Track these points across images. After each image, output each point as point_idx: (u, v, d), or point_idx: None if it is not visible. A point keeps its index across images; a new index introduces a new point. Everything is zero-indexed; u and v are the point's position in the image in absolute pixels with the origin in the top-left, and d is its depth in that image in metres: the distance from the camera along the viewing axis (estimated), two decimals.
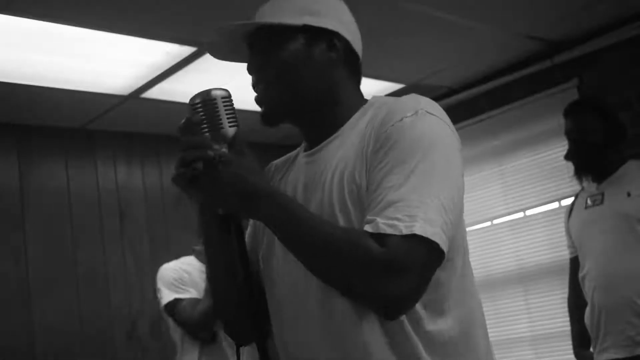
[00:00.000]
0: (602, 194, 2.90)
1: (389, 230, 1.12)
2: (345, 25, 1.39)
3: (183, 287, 3.14)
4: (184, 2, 2.94)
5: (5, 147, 3.96)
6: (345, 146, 1.29)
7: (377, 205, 1.16)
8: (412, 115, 1.22)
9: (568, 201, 3.21)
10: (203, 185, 1.24)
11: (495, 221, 4.32)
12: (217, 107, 1.26)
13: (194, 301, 3.05)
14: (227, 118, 1.27)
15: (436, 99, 4.51)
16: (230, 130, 1.26)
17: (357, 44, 1.42)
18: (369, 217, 1.16)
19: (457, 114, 4.46)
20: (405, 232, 1.11)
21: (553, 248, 3.94)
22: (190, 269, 3.22)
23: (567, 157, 3.00)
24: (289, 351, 1.32)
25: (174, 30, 3.19)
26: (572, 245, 3.08)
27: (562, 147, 3.12)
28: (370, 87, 4.26)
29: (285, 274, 1.31)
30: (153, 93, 3.83)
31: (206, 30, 3.24)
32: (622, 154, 2.95)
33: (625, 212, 2.80)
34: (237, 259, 1.30)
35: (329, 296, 1.22)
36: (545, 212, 4.10)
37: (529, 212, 4.19)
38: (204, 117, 1.26)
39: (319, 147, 1.35)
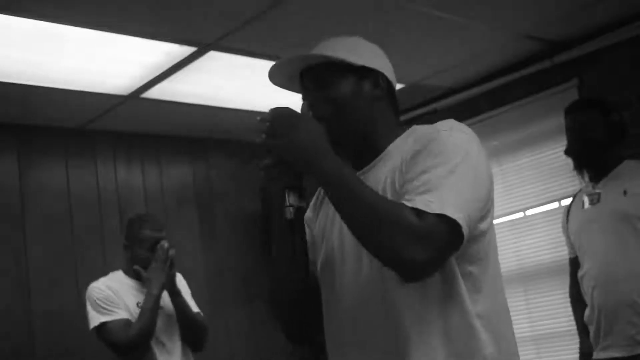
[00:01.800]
0: (599, 194, 2.91)
1: (424, 208, 1.32)
2: (386, 66, 1.65)
3: (109, 307, 3.11)
4: (184, 2, 2.94)
5: (5, 147, 3.96)
6: (390, 164, 1.50)
7: (414, 190, 1.36)
8: (448, 130, 1.44)
9: (568, 201, 3.21)
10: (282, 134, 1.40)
11: (496, 221, 4.30)
12: None
13: (123, 322, 3.04)
14: None
15: (436, 99, 4.54)
16: None
17: (394, 82, 1.67)
18: (408, 197, 1.35)
19: (457, 114, 4.45)
20: (437, 211, 1.31)
21: (553, 248, 3.94)
22: (118, 287, 3.19)
23: (567, 152, 3.02)
24: (345, 354, 1.49)
25: (174, 30, 3.19)
26: (571, 246, 3.08)
27: (562, 147, 3.12)
28: None
29: (349, 283, 1.47)
30: (153, 93, 3.83)
31: (206, 30, 3.25)
32: (620, 154, 2.97)
33: (622, 211, 2.81)
34: (299, 260, 1.43)
35: (395, 307, 1.40)
36: (545, 212, 4.10)
37: (529, 212, 4.18)
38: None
39: (367, 167, 1.54)
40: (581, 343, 3.09)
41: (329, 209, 1.57)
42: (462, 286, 1.41)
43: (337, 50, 1.56)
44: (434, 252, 1.32)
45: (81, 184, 4.18)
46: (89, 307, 3.15)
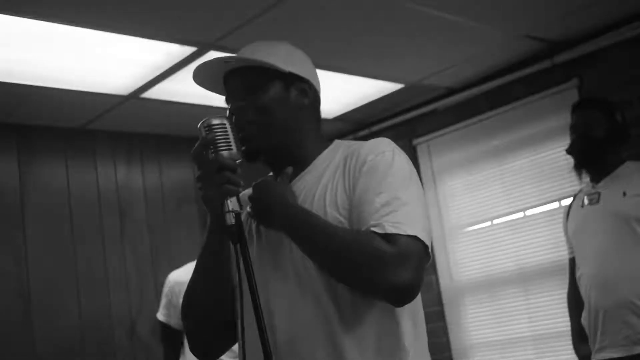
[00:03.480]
0: (599, 194, 2.91)
1: (395, 231, 1.36)
2: (314, 76, 1.60)
3: None
4: (184, 2, 2.94)
5: (5, 147, 3.96)
6: (323, 177, 1.50)
7: (376, 212, 1.39)
8: (390, 151, 1.47)
9: (568, 201, 3.21)
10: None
11: (495, 221, 4.32)
12: (227, 130, 1.42)
13: None
14: (234, 140, 1.43)
15: (436, 99, 4.54)
16: (236, 152, 1.43)
17: (320, 92, 1.63)
18: (373, 222, 1.38)
19: (457, 114, 4.46)
20: (409, 232, 1.37)
21: (553, 248, 3.94)
22: None
23: (569, 150, 3.03)
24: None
25: (174, 30, 3.19)
26: (571, 245, 3.09)
27: (562, 147, 3.12)
28: (370, 87, 4.27)
29: (275, 303, 1.45)
30: (153, 93, 3.83)
31: (206, 30, 3.25)
32: (621, 156, 2.98)
33: (621, 212, 2.81)
34: (238, 270, 1.38)
35: (328, 313, 1.41)
36: (545, 212, 4.10)
37: (529, 212, 4.18)
38: (218, 137, 1.41)
39: (296, 179, 1.53)
40: (575, 349, 3.10)
41: (246, 220, 1.55)
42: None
43: (264, 54, 1.53)
44: (414, 271, 1.36)
45: (81, 184, 4.18)
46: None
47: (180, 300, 3.25)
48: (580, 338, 3.06)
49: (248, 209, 1.51)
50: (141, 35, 3.18)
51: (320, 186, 1.49)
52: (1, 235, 3.83)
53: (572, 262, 3.08)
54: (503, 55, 4.03)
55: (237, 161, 1.41)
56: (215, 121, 1.41)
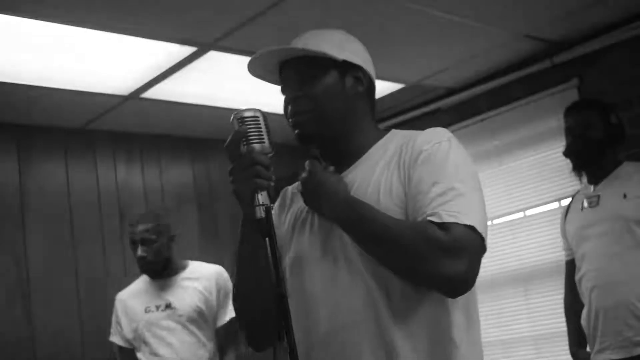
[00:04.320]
0: (598, 196, 2.90)
1: (452, 220, 1.34)
2: (368, 62, 1.58)
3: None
4: (184, 2, 2.94)
5: (5, 147, 3.96)
6: (378, 167, 1.49)
7: (432, 202, 1.37)
8: (447, 141, 1.45)
9: (568, 201, 3.21)
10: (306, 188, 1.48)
11: (495, 221, 4.32)
12: (259, 122, 1.40)
13: None
14: (266, 132, 1.41)
15: (436, 99, 4.54)
16: (268, 145, 1.41)
17: (375, 79, 1.60)
18: (429, 211, 1.36)
19: (457, 114, 4.46)
20: (465, 222, 1.34)
21: (553, 248, 3.93)
22: None
23: (566, 153, 3.01)
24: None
25: (174, 30, 3.19)
26: (568, 248, 3.08)
27: (562, 147, 3.11)
28: None
29: (322, 288, 1.46)
30: (153, 93, 3.83)
31: (206, 30, 3.25)
32: (618, 156, 2.97)
33: (622, 214, 2.80)
34: (271, 264, 1.37)
35: (379, 314, 1.39)
36: (545, 212, 4.10)
37: (529, 212, 4.18)
38: (250, 130, 1.39)
39: (351, 168, 1.53)
40: (572, 354, 3.10)
41: (298, 210, 1.56)
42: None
43: (319, 43, 1.52)
44: (469, 262, 1.34)
45: (81, 184, 4.18)
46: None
47: (123, 320, 3.30)
48: (578, 344, 3.06)
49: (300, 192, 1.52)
50: (141, 35, 3.18)
51: (374, 176, 1.47)
52: (1, 235, 3.83)
53: (569, 264, 3.08)
54: (503, 55, 4.03)
55: (269, 154, 1.39)
56: (248, 113, 1.40)
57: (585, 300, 2.91)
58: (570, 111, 3.06)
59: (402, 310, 1.39)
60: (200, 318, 3.24)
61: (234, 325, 3.23)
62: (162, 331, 3.22)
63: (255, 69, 1.57)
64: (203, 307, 3.24)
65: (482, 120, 4.36)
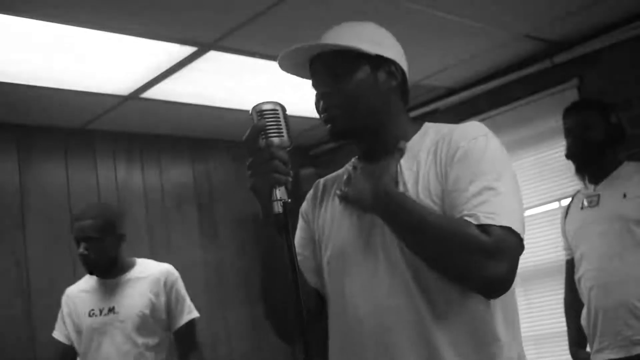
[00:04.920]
0: (598, 196, 2.90)
1: (489, 222, 1.33)
2: (401, 56, 1.57)
3: None
4: (184, 2, 2.94)
5: (5, 147, 3.96)
6: (415, 164, 1.46)
7: (468, 202, 1.36)
8: (484, 136, 1.45)
9: (568, 201, 3.21)
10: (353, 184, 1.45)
11: None
12: (279, 116, 1.39)
13: None
14: (285, 126, 1.40)
15: (436, 99, 4.53)
16: (287, 139, 1.40)
17: (407, 72, 1.58)
18: (467, 212, 1.35)
19: (457, 114, 4.46)
20: (504, 223, 1.34)
21: (553, 248, 3.93)
22: None
23: (568, 155, 3.01)
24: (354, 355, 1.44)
25: (174, 30, 3.19)
26: (568, 247, 3.08)
27: (562, 147, 3.12)
28: None
29: (361, 285, 1.44)
30: (153, 93, 3.83)
31: (206, 30, 3.25)
32: (618, 156, 2.97)
33: (621, 214, 2.80)
34: (288, 260, 1.36)
35: (420, 313, 1.38)
36: (545, 212, 4.10)
37: (529, 212, 4.18)
38: (269, 123, 1.38)
39: (382, 163, 1.48)
40: (572, 355, 3.10)
41: (333, 207, 1.55)
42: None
43: (350, 37, 1.50)
44: (509, 264, 1.35)
45: (81, 184, 4.18)
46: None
47: (67, 320, 3.14)
48: (578, 344, 3.06)
49: (338, 191, 1.51)
50: (141, 35, 3.18)
51: (412, 172, 1.46)
52: (1, 235, 3.83)
53: (569, 264, 3.08)
54: (503, 55, 4.03)
55: (287, 148, 1.38)
56: (267, 106, 1.39)
57: (584, 299, 2.92)
58: (569, 112, 3.06)
59: (444, 310, 1.38)
60: (144, 325, 3.03)
61: (191, 328, 3.09)
62: (103, 338, 3.04)
63: (286, 64, 1.54)
64: (147, 312, 3.03)
65: (482, 120, 4.35)
